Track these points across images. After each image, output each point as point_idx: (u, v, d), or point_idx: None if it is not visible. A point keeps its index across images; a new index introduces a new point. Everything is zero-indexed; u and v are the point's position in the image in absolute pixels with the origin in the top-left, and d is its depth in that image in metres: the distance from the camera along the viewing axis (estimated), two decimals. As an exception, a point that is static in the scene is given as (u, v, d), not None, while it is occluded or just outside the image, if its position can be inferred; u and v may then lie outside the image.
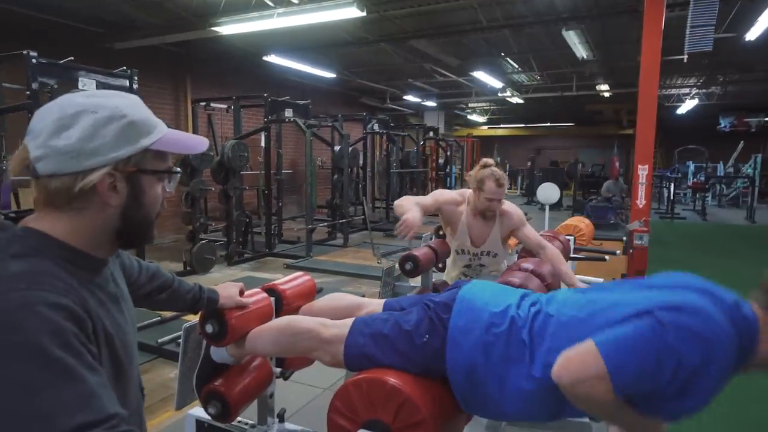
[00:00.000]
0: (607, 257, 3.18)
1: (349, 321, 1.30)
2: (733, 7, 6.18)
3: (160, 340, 3.47)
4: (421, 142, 11.69)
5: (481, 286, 1.32)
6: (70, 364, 0.61)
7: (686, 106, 13.93)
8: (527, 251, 2.65)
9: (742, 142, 15.32)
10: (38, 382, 0.58)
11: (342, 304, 1.53)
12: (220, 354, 1.37)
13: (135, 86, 4.78)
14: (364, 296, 4.97)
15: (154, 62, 8.15)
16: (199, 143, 0.83)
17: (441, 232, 3.46)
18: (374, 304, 1.49)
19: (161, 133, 0.78)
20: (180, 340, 1.41)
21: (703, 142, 14.72)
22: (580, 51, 8.08)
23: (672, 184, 12.60)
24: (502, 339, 1.14)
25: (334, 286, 5.35)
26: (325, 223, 8.50)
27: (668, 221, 11.70)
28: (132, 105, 0.76)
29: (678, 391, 0.96)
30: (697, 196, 14.02)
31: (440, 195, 2.52)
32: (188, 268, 5.82)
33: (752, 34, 6.71)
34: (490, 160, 2.42)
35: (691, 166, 15.74)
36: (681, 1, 5.89)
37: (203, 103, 8.42)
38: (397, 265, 2.39)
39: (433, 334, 1.19)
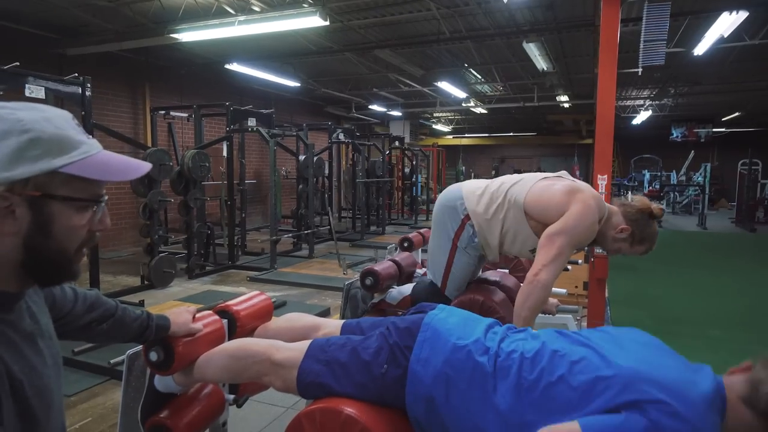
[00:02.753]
0: (569, 267, 3.22)
1: (304, 344, 1.23)
2: (682, 23, 6.47)
3: (112, 361, 3.29)
4: (387, 152, 11.72)
5: (448, 312, 1.27)
6: None
7: (641, 117, 14.48)
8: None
9: (693, 151, 16.04)
10: None
11: (298, 325, 1.46)
12: (165, 383, 1.28)
13: (87, 93, 4.58)
14: (329, 309, 4.88)
15: (111, 69, 7.88)
16: (134, 169, 0.72)
17: (406, 244, 3.43)
18: (332, 326, 1.43)
19: (84, 155, 0.67)
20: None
21: (657, 151, 15.33)
22: (540, 63, 8.28)
23: (629, 192, 13.03)
24: (464, 374, 1.09)
25: (299, 299, 5.24)
26: (290, 234, 8.36)
27: (626, 228, 12.06)
28: (46, 120, 0.66)
29: None
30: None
31: (577, 232, 1.78)
32: (146, 282, 5.60)
33: (700, 49, 7.03)
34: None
35: (647, 175, 16.34)
36: (635, 16, 6.12)
37: (163, 112, 8.18)
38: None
39: (392, 364, 1.14)
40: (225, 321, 1.41)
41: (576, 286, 4.58)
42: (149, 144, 7.90)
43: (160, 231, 5.73)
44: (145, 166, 0.74)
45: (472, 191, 2.03)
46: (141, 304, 4.72)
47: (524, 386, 1.06)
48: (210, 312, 1.40)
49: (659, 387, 0.99)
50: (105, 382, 3.23)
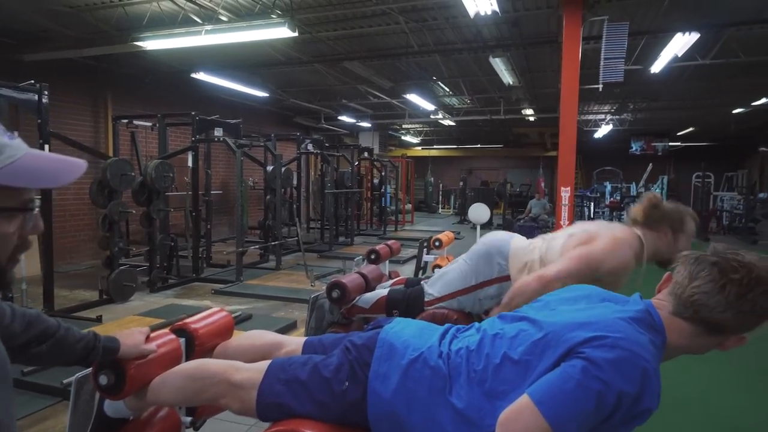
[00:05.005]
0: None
1: (264, 364, 1.19)
2: (639, 42, 6.74)
3: (65, 381, 3.13)
4: (356, 163, 11.72)
5: (403, 325, 1.26)
6: None
7: (602, 131, 14.98)
8: None
9: (650, 164, 16.67)
10: None
11: (259, 343, 1.42)
12: (115, 408, 1.22)
13: (44, 101, 4.41)
14: (296, 322, 4.79)
15: (71, 76, 7.63)
16: (67, 173, 0.66)
17: (373, 256, 3.41)
18: (294, 343, 1.40)
19: (9, 159, 0.62)
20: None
21: (618, 163, 15.88)
22: (506, 77, 8.46)
23: (592, 203, 13.40)
24: (424, 383, 1.08)
25: (266, 312, 5.14)
26: (257, 246, 8.23)
27: (590, 238, 12.39)
28: None
29: (624, 417, 0.95)
30: (614, 214, 15.01)
31: (606, 255, 1.78)
32: (105, 296, 5.39)
33: (656, 67, 7.34)
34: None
35: (608, 187, 16.85)
36: (596, 35, 6.34)
37: (125, 120, 7.96)
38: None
39: (353, 381, 1.12)
40: (183, 340, 1.35)
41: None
42: (111, 153, 7.67)
43: (120, 243, 5.54)
44: (80, 167, 0.68)
45: (519, 255, 2.05)
46: (99, 319, 4.53)
47: (475, 379, 1.06)
48: (166, 331, 1.34)
49: (585, 328, 1.00)
50: (56, 404, 3.07)
